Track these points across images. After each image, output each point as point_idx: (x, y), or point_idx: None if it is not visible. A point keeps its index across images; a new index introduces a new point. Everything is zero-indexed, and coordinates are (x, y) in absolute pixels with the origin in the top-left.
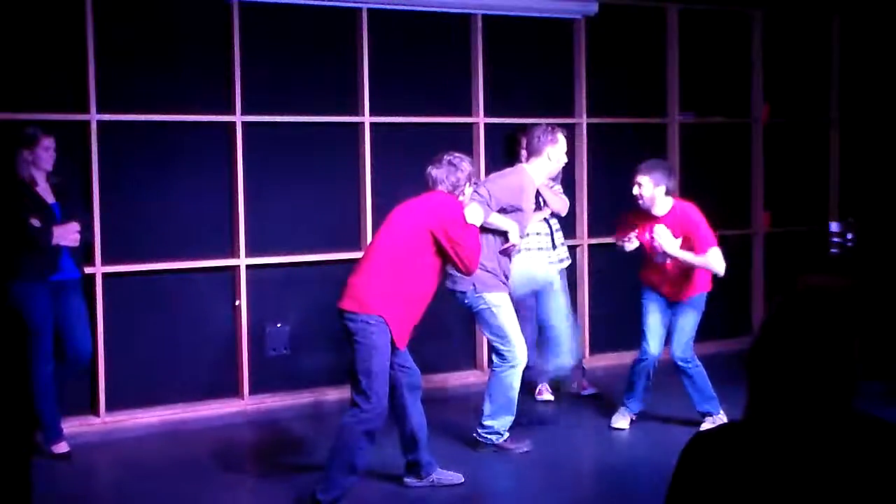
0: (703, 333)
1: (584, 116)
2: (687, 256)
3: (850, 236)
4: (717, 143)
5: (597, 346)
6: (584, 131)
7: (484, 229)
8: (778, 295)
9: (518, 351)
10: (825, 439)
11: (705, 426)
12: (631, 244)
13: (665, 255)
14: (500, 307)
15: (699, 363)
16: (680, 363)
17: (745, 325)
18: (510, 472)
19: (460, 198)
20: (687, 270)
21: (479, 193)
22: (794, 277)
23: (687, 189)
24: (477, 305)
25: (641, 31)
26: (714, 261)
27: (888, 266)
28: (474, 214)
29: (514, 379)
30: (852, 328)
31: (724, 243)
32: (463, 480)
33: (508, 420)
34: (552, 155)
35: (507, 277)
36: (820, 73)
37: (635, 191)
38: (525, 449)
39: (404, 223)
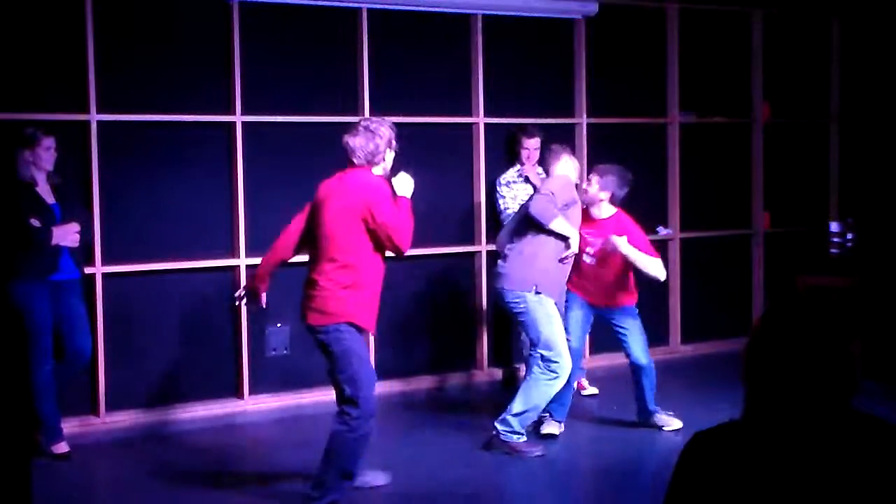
0: (703, 333)
1: (584, 116)
2: (637, 255)
3: (850, 236)
4: (717, 143)
5: (597, 346)
6: (584, 131)
7: (549, 232)
8: (774, 295)
9: (565, 362)
10: (824, 439)
11: (667, 425)
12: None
13: (596, 255)
14: (553, 316)
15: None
16: (646, 365)
17: (745, 325)
18: (510, 471)
19: (381, 165)
20: (618, 277)
21: (543, 193)
22: (793, 277)
23: (687, 189)
24: (533, 308)
25: (641, 31)
26: (659, 266)
27: (888, 266)
28: (404, 184)
29: (554, 389)
30: (850, 327)
31: (724, 243)
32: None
33: (529, 425)
34: (560, 168)
35: (561, 288)
36: (820, 73)
37: (584, 185)
38: (538, 453)
39: (339, 221)
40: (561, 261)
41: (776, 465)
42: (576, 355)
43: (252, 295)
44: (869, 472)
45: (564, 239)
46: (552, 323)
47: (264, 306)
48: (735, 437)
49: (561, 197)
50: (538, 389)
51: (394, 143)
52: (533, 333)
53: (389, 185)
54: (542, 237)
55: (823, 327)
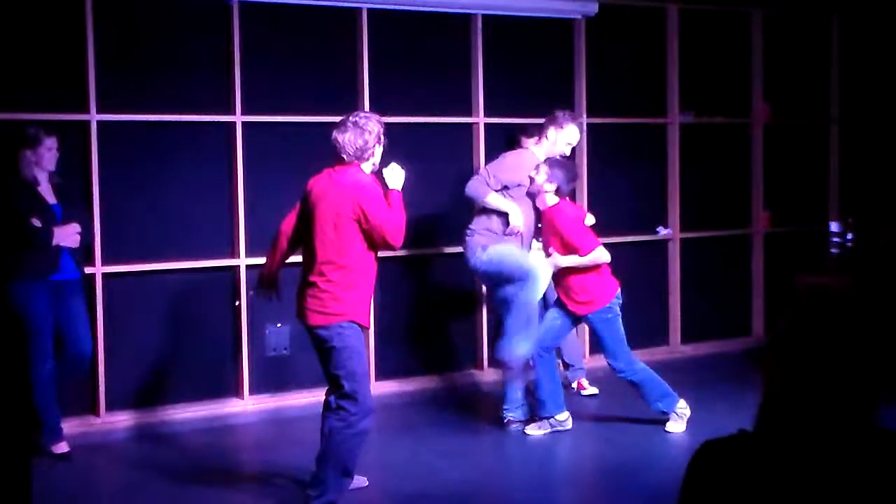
0: (703, 333)
1: (584, 116)
2: (575, 261)
3: (850, 236)
4: (717, 143)
5: (597, 346)
6: (584, 131)
7: (486, 210)
8: (797, 299)
9: (534, 267)
10: (840, 452)
11: (670, 426)
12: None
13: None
14: (503, 251)
15: (642, 366)
16: (618, 374)
17: (745, 325)
18: (510, 471)
19: (370, 160)
20: (577, 278)
21: (479, 173)
22: (793, 277)
23: (687, 189)
24: (487, 261)
25: (641, 31)
26: (599, 254)
27: (888, 266)
28: (395, 176)
29: (531, 296)
30: (872, 337)
31: (724, 243)
32: (367, 483)
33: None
34: (550, 136)
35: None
36: (820, 73)
37: (532, 173)
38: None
39: (333, 223)
40: (506, 235)
41: (790, 478)
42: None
43: (269, 284)
44: (883, 486)
45: (506, 215)
46: (510, 253)
47: (280, 298)
48: (746, 448)
49: (498, 176)
50: (518, 308)
51: (383, 137)
52: (504, 269)
53: (380, 180)
54: (490, 217)
55: (847, 338)
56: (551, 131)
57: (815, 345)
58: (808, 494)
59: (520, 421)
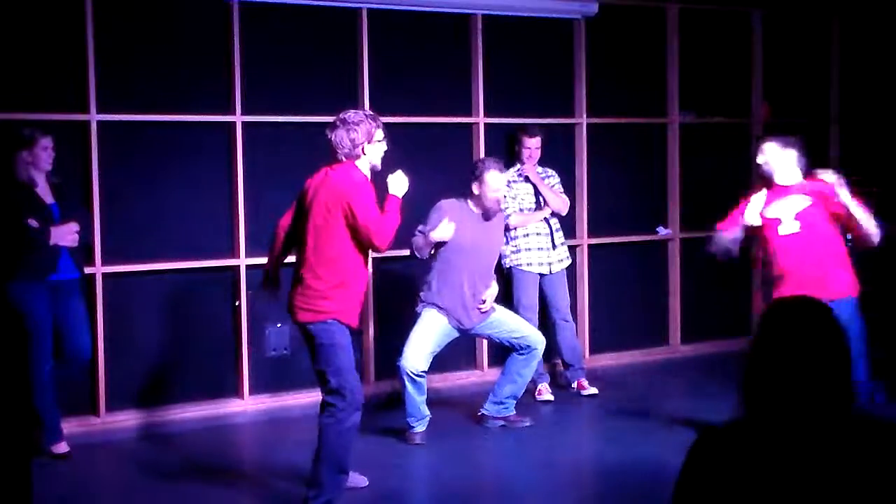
0: (703, 333)
1: (584, 116)
2: (855, 204)
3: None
4: (717, 143)
5: (597, 346)
6: (584, 131)
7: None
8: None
9: (404, 367)
10: (829, 440)
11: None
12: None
13: (800, 218)
14: (420, 326)
15: None
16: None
17: (745, 325)
18: (509, 471)
19: (364, 158)
20: (830, 253)
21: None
22: None
23: (687, 188)
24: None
25: (641, 31)
26: (873, 222)
27: (888, 266)
28: (398, 183)
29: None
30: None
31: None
32: (367, 483)
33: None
34: (475, 190)
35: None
36: (820, 73)
37: (760, 159)
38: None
39: (324, 218)
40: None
41: (785, 465)
42: None
43: (271, 283)
44: (873, 473)
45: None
46: (414, 331)
47: (277, 300)
48: (744, 435)
49: (429, 225)
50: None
51: (376, 135)
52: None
53: (373, 182)
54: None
55: (818, 331)
56: (474, 186)
57: (788, 342)
58: (800, 477)
59: (492, 417)
